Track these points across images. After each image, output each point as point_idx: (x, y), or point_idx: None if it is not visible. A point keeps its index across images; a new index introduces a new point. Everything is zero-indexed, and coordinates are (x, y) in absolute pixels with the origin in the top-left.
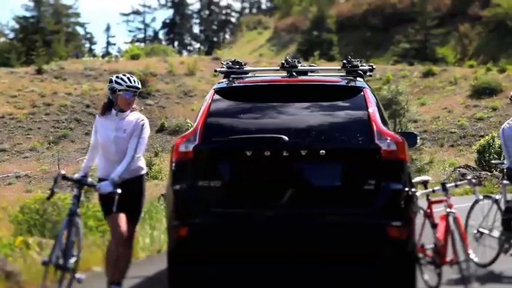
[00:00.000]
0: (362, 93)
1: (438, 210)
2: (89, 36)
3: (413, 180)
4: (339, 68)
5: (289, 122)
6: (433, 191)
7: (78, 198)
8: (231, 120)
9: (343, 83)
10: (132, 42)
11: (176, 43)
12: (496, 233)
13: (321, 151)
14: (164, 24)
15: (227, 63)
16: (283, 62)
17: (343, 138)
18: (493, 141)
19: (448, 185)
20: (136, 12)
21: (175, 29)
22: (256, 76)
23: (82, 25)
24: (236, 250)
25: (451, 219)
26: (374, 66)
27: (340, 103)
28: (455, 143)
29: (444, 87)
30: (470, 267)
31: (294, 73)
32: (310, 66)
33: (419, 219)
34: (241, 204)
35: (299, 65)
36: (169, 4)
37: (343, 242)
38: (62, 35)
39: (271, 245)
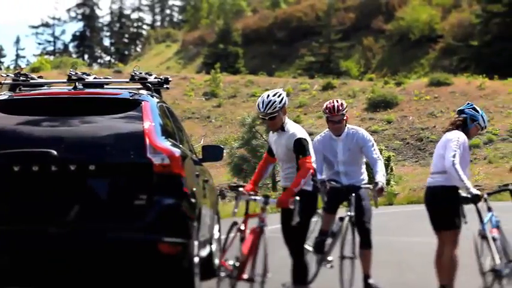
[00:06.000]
0: (140, 106)
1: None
2: None
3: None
4: (127, 80)
5: (63, 136)
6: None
7: None
8: (2, 135)
9: (123, 95)
10: (41, 54)
11: (86, 56)
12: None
13: (91, 166)
14: (74, 37)
15: (7, 75)
16: (69, 74)
17: (115, 153)
18: (381, 152)
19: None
20: (46, 25)
21: (86, 41)
22: (43, 89)
23: None
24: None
25: (263, 235)
26: (170, 78)
27: (118, 116)
28: None
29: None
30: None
31: (82, 85)
32: (105, 78)
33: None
34: (9, 222)
35: (89, 77)
36: (79, 17)
37: (115, 259)
38: None
39: (41, 263)
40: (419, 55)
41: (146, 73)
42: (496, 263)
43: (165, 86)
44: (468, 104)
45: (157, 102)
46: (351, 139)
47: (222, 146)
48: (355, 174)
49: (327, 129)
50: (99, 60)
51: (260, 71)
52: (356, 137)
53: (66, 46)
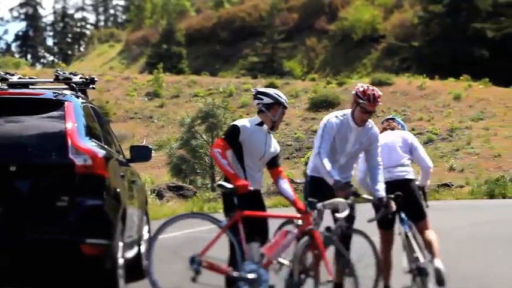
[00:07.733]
0: (63, 106)
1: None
2: None
3: None
4: (51, 80)
5: None
6: None
7: None
8: None
9: (46, 96)
10: None
11: (29, 56)
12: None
13: (11, 167)
14: (17, 37)
15: None
16: None
17: (37, 153)
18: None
19: None
20: None
21: (29, 41)
22: None
23: None
24: None
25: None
26: (96, 78)
27: (40, 117)
28: (291, 156)
29: None
30: None
31: (6, 85)
32: (30, 78)
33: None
34: None
35: (13, 77)
36: (22, 16)
37: (37, 261)
38: None
39: None
40: (362, 55)
41: (71, 73)
42: (421, 261)
43: (90, 86)
44: (393, 115)
45: (82, 103)
46: (366, 133)
47: (151, 147)
48: (348, 169)
49: (345, 112)
50: (42, 60)
51: (203, 71)
52: (371, 133)
53: (8, 46)
